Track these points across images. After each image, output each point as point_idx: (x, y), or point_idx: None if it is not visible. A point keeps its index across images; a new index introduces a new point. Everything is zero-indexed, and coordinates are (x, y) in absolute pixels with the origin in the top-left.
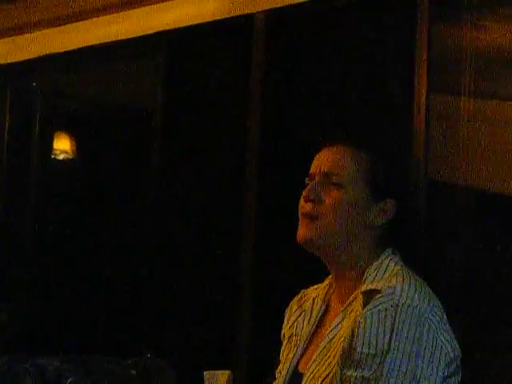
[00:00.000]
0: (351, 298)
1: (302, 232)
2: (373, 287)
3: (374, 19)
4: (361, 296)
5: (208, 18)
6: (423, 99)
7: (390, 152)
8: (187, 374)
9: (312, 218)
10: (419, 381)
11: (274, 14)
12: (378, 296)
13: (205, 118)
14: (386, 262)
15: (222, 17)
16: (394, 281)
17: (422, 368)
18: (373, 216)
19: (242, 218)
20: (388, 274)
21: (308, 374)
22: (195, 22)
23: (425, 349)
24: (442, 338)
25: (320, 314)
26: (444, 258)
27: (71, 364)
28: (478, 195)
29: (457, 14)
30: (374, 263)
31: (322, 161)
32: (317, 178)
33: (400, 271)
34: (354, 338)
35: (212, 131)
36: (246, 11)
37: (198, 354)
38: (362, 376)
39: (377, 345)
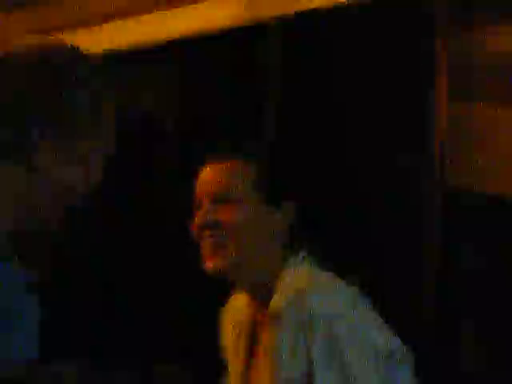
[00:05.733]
0: (266, 322)
1: (212, 263)
2: (274, 306)
3: (391, 26)
4: (269, 319)
5: (222, 25)
6: (443, 106)
7: (274, 156)
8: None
9: (217, 245)
10: None
11: (288, 20)
12: (282, 316)
13: (219, 125)
14: (291, 271)
15: (237, 23)
16: (298, 293)
17: (356, 377)
18: (276, 223)
19: None
20: (292, 286)
21: None
22: (209, 29)
23: (352, 354)
24: (372, 334)
25: (250, 334)
26: (460, 263)
27: (88, 369)
28: (495, 200)
29: (474, 21)
30: (282, 275)
31: (206, 182)
32: (206, 202)
33: (304, 279)
34: (274, 366)
35: (226, 139)
36: (261, 17)
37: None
38: None
39: (297, 369)
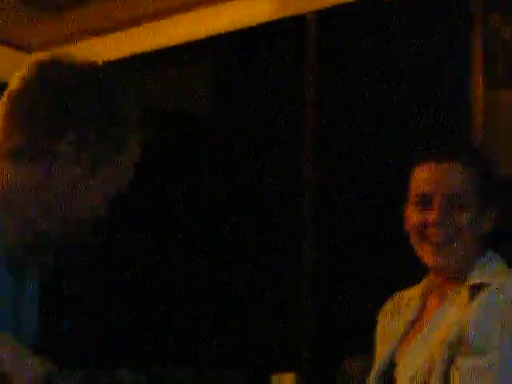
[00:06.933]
0: (453, 293)
1: (437, 260)
2: (482, 281)
3: (425, 15)
4: (466, 290)
5: (260, 20)
6: (480, 95)
7: (486, 162)
8: (253, 377)
9: (443, 244)
10: None
11: (325, 14)
12: (488, 289)
13: (259, 119)
14: (490, 261)
15: (274, 19)
16: (502, 277)
17: None
18: (485, 226)
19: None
20: (494, 271)
21: (403, 363)
22: (247, 25)
23: None
24: None
25: (416, 311)
26: None
27: (147, 377)
28: None
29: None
30: (477, 262)
31: (440, 182)
32: (439, 201)
33: (505, 269)
34: (466, 329)
35: (266, 133)
36: (298, 12)
37: (263, 357)
38: (474, 365)
39: (489, 335)
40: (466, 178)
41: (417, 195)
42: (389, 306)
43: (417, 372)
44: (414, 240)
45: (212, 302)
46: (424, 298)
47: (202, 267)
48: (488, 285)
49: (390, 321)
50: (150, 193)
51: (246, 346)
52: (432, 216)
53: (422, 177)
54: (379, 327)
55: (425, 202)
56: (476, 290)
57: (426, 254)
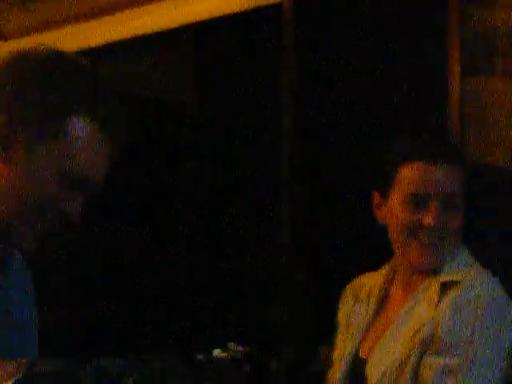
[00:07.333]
0: (423, 287)
1: (427, 262)
2: (453, 278)
3: (404, 2)
4: (437, 285)
5: (236, 9)
6: (457, 83)
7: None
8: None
9: (435, 246)
10: (501, 371)
11: (302, 1)
12: (459, 287)
13: (236, 108)
14: (459, 254)
15: (250, 6)
16: (472, 273)
17: (504, 360)
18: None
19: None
20: (464, 267)
21: (373, 360)
22: (224, 13)
23: (505, 341)
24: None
25: (378, 302)
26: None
27: (134, 364)
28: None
29: None
30: (447, 256)
31: (438, 182)
32: (436, 203)
33: (475, 264)
34: (437, 327)
35: (244, 121)
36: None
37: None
38: (445, 364)
39: (461, 334)
40: (460, 180)
41: (411, 194)
42: (349, 292)
43: (388, 368)
44: (398, 236)
45: (211, 294)
46: (387, 286)
47: (201, 259)
48: (459, 282)
49: (352, 309)
50: (149, 184)
51: (240, 336)
52: (428, 218)
53: (418, 176)
54: (340, 314)
55: (419, 202)
56: (446, 286)
57: (413, 253)
